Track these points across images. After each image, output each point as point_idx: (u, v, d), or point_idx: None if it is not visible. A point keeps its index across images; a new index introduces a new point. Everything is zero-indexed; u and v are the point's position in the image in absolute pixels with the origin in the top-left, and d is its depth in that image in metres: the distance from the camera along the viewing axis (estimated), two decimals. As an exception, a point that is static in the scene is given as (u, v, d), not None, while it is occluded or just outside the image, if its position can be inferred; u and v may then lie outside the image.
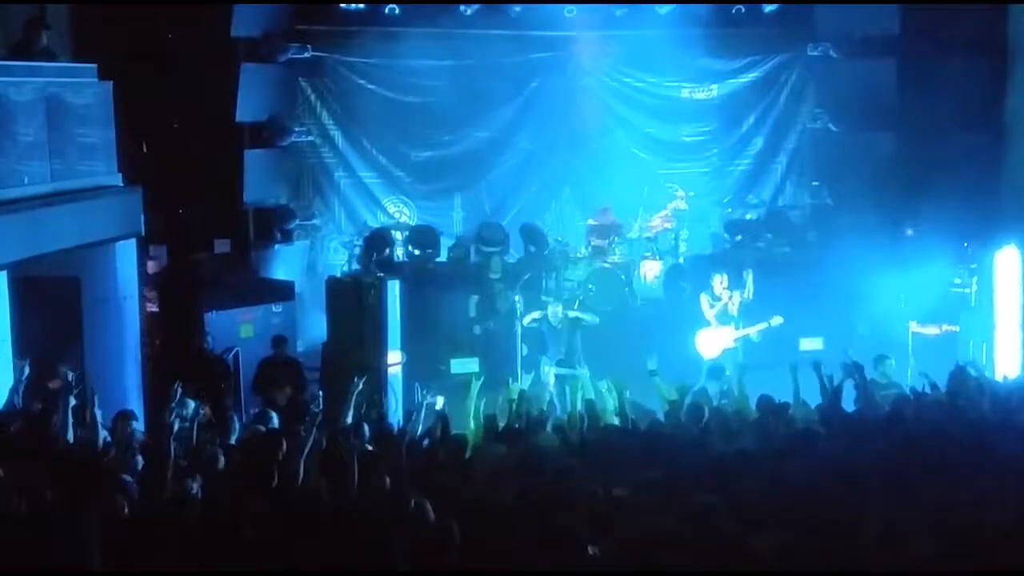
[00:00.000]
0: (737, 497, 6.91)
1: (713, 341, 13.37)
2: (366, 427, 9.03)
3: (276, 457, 7.62)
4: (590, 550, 6.11)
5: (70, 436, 8.33)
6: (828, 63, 17.73)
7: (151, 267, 14.55)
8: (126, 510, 6.79)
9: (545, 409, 10.63)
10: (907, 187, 16.48)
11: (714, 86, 18.00)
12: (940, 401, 9.81)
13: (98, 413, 8.61)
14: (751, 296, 13.48)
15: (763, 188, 18.32)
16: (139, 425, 9.56)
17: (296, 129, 17.11)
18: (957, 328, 14.23)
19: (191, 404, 9.15)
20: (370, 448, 8.38)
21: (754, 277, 13.83)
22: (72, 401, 8.47)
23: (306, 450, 7.57)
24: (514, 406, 9.86)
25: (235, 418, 9.94)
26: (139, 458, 8.00)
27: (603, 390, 10.24)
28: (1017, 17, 16.16)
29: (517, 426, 9.49)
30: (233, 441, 8.98)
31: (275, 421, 9.46)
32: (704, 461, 8.06)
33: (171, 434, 7.83)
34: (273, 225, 16.86)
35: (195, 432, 8.58)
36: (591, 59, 17.49)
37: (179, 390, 8.71)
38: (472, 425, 9.69)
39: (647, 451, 8.40)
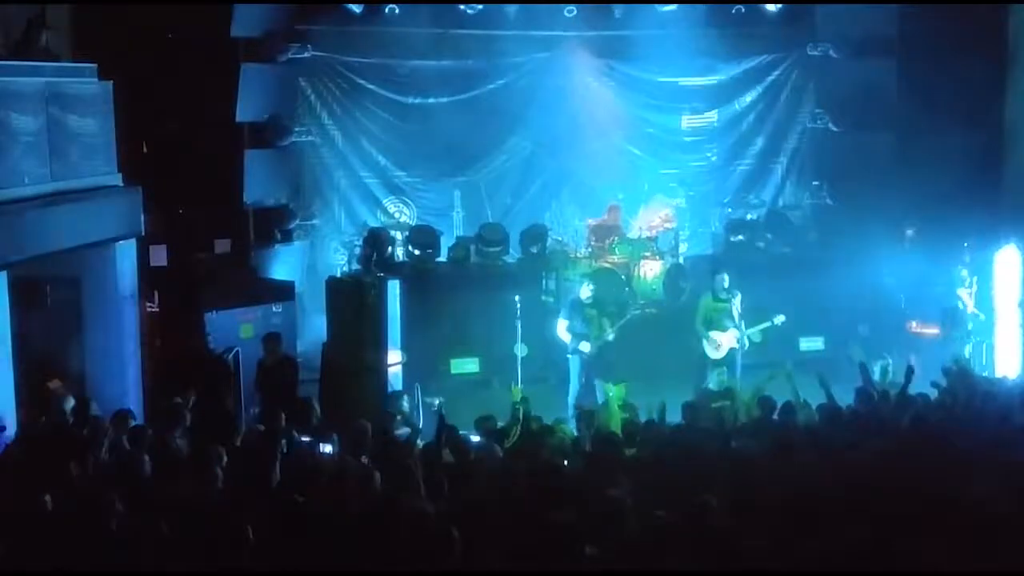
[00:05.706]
0: (737, 496, 6.91)
1: (716, 341, 13.36)
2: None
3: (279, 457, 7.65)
4: (589, 550, 6.11)
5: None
6: (828, 63, 17.73)
7: (151, 267, 14.53)
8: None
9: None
10: (907, 187, 16.45)
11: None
12: (943, 402, 9.82)
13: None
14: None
15: (763, 188, 18.29)
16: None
17: (296, 129, 17.08)
18: (957, 328, 14.23)
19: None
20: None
21: (754, 277, 13.82)
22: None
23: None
24: (519, 409, 9.85)
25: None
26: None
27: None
28: (1017, 17, 16.13)
29: (520, 428, 9.50)
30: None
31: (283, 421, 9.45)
32: (706, 460, 8.07)
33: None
34: (273, 225, 16.83)
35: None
36: (591, 59, 17.48)
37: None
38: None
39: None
